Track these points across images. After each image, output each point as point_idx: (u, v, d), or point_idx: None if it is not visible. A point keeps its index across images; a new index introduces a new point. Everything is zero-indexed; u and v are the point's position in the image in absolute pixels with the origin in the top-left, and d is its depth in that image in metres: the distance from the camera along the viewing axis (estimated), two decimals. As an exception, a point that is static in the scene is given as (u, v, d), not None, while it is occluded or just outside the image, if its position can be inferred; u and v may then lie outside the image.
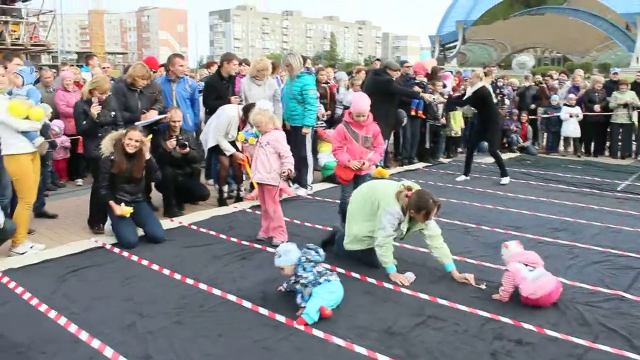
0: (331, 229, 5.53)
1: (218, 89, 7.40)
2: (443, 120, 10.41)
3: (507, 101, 11.98)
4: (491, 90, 8.86)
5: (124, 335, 3.57)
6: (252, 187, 7.03)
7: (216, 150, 7.00)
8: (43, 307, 3.96)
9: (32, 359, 3.29)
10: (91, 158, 5.82)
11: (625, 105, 11.09)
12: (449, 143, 11.16)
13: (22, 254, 5.08)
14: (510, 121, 12.07)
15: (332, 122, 9.06)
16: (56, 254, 5.11)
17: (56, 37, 38.70)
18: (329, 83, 9.39)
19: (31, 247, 5.20)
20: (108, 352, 3.34)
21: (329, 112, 9.12)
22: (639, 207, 7.08)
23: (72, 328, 3.64)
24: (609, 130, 11.70)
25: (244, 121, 6.69)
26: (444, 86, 10.40)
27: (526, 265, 4.08)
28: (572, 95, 11.65)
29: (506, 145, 12.04)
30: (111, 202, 5.44)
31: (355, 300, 4.10)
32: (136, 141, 5.44)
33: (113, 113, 5.90)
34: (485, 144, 9.75)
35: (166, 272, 4.69)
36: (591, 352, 3.41)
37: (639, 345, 3.47)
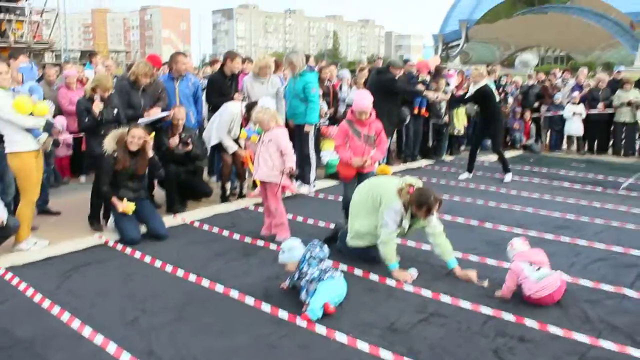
0: (334, 226, 5.53)
1: (221, 87, 7.41)
2: (446, 119, 10.40)
3: (510, 99, 11.96)
4: (494, 89, 8.84)
5: (127, 331, 3.58)
6: (254, 184, 7.04)
7: (219, 147, 7.01)
8: (46, 303, 3.98)
9: (37, 354, 3.31)
10: (94, 155, 5.83)
11: (629, 104, 11.05)
12: (451, 141, 11.14)
13: (26, 250, 5.10)
14: (514, 119, 12.04)
15: (335, 120, 9.06)
16: (59, 250, 5.12)
17: (59, 36, 38.71)
18: (332, 81, 9.38)
19: (35, 244, 5.22)
20: (111, 347, 3.35)
21: (331, 110, 9.12)
22: (642, 205, 7.06)
23: (76, 324, 3.66)
24: (612, 128, 11.67)
25: (246, 119, 6.70)
26: (447, 84, 10.39)
27: (531, 264, 4.07)
28: (575, 94, 11.63)
29: (509, 143, 12.02)
30: (114, 199, 5.46)
31: (358, 297, 4.11)
32: (139, 139, 5.46)
33: (115, 111, 5.92)
34: (488, 141, 9.73)
35: (169, 268, 4.70)
36: (594, 349, 3.40)
37: (641, 343, 3.47)
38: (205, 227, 5.96)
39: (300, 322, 3.70)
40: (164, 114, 6.49)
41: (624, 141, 11.51)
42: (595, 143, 11.91)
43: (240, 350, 3.36)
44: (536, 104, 12.24)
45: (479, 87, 8.46)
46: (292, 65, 7.38)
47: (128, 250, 5.18)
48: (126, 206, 5.42)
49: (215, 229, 5.85)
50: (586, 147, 11.92)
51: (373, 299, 4.13)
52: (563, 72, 13.57)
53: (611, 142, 11.89)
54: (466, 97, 8.98)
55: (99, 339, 3.45)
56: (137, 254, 5.05)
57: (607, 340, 3.48)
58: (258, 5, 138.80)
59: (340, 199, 6.19)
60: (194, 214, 6.40)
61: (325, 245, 4.19)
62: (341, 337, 3.50)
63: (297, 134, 7.40)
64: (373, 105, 5.70)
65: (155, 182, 6.66)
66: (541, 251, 4.26)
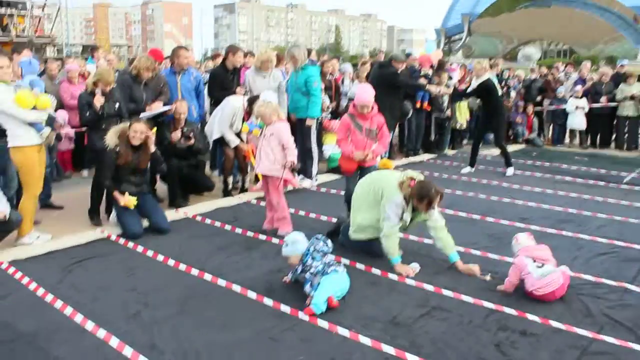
0: (336, 220, 5.54)
1: (223, 81, 7.40)
2: (448, 112, 10.38)
3: (512, 93, 11.93)
4: (496, 82, 8.82)
5: (129, 325, 3.59)
6: (257, 178, 7.04)
7: (221, 141, 7.01)
8: (49, 297, 3.99)
9: (39, 348, 3.32)
10: (95, 149, 5.84)
11: (632, 97, 11.01)
12: (454, 135, 11.12)
13: (28, 244, 5.11)
14: (516, 113, 12.01)
15: (337, 114, 9.05)
16: (62, 244, 5.14)
17: (61, 30, 38.72)
18: (334, 75, 9.37)
19: (37, 238, 5.23)
20: (114, 341, 3.36)
21: (334, 104, 9.10)
22: (645, 200, 7.05)
23: (78, 318, 3.67)
24: (615, 122, 11.63)
25: (248, 113, 6.69)
26: (450, 78, 10.36)
27: (534, 260, 4.05)
28: (578, 87, 11.59)
29: (512, 137, 12.00)
30: (115, 193, 5.47)
31: (360, 291, 4.11)
32: (141, 133, 5.46)
33: (117, 105, 5.92)
34: (491, 135, 9.72)
35: (171, 262, 4.71)
36: (595, 343, 3.40)
37: (644, 337, 3.47)
38: (208, 221, 5.96)
39: (303, 315, 3.71)
40: (166, 108, 6.49)
41: (626, 135, 11.49)
42: (598, 137, 11.88)
43: (242, 344, 3.37)
44: (539, 98, 12.21)
45: (481, 81, 8.44)
46: (294, 59, 7.36)
47: (130, 244, 5.19)
48: (128, 200, 5.42)
49: (218, 223, 5.86)
50: (589, 141, 11.89)
51: (375, 293, 4.13)
52: (566, 66, 13.51)
53: (614, 136, 11.85)
54: (469, 91, 8.97)
55: (101, 333, 3.46)
56: (140, 248, 5.06)
57: (609, 335, 3.48)
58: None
59: (342, 193, 6.19)
60: (196, 208, 6.40)
61: (329, 240, 4.20)
62: (343, 331, 3.51)
63: (299, 128, 7.39)
64: (375, 99, 5.69)
65: (158, 176, 6.67)
66: (546, 247, 4.23)
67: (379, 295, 4.10)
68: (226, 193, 7.03)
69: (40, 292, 4.08)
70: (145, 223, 5.59)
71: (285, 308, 3.83)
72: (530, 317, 3.72)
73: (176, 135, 6.42)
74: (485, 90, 8.47)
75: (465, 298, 4.02)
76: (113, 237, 5.38)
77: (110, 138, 5.46)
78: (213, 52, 30.79)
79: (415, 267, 4.51)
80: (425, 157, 10.16)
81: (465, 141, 11.58)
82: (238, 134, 6.91)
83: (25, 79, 6.19)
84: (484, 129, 9.15)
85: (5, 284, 4.24)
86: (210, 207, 6.47)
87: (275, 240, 5.27)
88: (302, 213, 6.21)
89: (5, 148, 4.98)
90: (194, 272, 4.50)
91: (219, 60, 8.80)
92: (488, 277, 4.35)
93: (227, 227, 5.74)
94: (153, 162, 5.74)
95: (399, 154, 10.13)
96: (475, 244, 5.20)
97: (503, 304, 3.91)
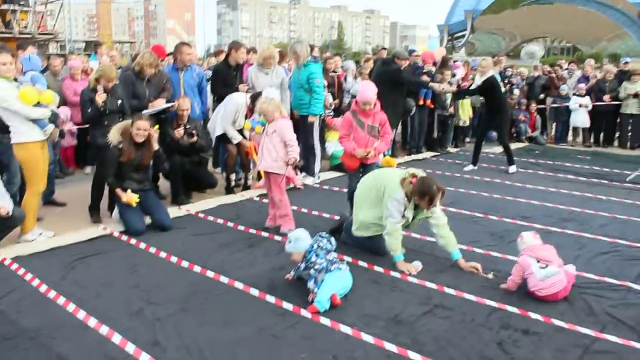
0: (339, 217, 5.53)
1: (226, 77, 7.40)
2: (451, 110, 10.36)
3: (515, 91, 11.90)
4: (499, 80, 8.80)
5: (132, 322, 3.60)
6: (259, 175, 7.04)
7: (223, 138, 7.01)
8: (52, 294, 3.99)
9: (43, 344, 3.32)
10: (96, 146, 5.84)
11: (636, 95, 10.98)
12: (457, 132, 11.11)
13: (31, 241, 5.12)
14: (519, 111, 11.99)
15: (339, 111, 9.04)
16: (65, 241, 5.15)
17: (64, 26, 38.69)
18: (336, 72, 9.36)
19: (40, 234, 5.24)
20: (116, 338, 3.36)
21: (336, 101, 9.09)
22: (648, 198, 7.04)
23: (81, 314, 3.68)
24: (618, 120, 11.60)
25: (251, 109, 6.69)
26: (453, 75, 10.34)
27: (538, 261, 4.02)
28: (581, 85, 11.57)
29: (515, 135, 11.97)
30: (118, 190, 5.47)
31: (362, 289, 4.11)
32: (144, 130, 5.46)
33: (120, 101, 5.91)
34: (494, 133, 9.69)
35: (174, 259, 4.71)
36: (598, 342, 3.40)
37: (646, 336, 3.46)
38: (210, 218, 5.97)
39: (305, 313, 3.71)
40: (169, 104, 6.49)
41: (630, 133, 11.45)
42: (601, 135, 11.86)
43: (244, 341, 3.37)
44: (542, 96, 12.19)
45: (485, 78, 8.43)
46: (296, 55, 7.36)
47: (133, 241, 5.20)
48: (130, 197, 5.42)
49: (220, 220, 5.86)
50: (592, 139, 11.87)
51: (377, 291, 4.13)
52: (569, 64, 13.48)
53: (617, 134, 11.83)
54: (473, 88, 8.95)
55: (104, 329, 3.46)
56: (142, 245, 5.07)
57: (612, 334, 3.48)
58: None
59: (345, 190, 6.19)
60: (198, 205, 6.41)
61: (332, 238, 4.20)
62: (345, 329, 3.51)
63: (301, 125, 7.39)
64: (378, 97, 5.68)
65: (160, 173, 6.67)
66: (551, 247, 4.19)
67: (381, 293, 4.10)
68: (229, 190, 7.03)
69: (43, 288, 4.09)
70: (147, 220, 5.60)
71: (287, 305, 3.83)
72: (533, 315, 3.72)
73: (179, 132, 6.41)
74: (489, 88, 8.46)
75: (467, 296, 4.01)
76: (116, 234, 5.39)
77: (113, 135, 5.45)
78: (216, 48, 30.78)
79: (417, 265, 4.51)
80: (427, 154, 10.15)
81: (468, 139, 11.57)
82: (240, 131, 6.91)
83: (26, 75, 6.19)
84: (487, 127, 9.14)
85: (8, 281, 4.25)
86: (212, 204, 6.48)
87: (277, 238, 5.27)
88: (304, 210, 6.21)
89: (8, 144, 4.98)
90: (197, 269, 4.50)
91: (222, 56, 8.80)
92: (490, 275, 4.35)
93: (230, 224, 5.74)
94: (155, 161, 5.74)
95: (402, 152, 10.12)
96: (478, 242, 5.20)
97: (505, 302, 3.91)
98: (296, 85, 7.47)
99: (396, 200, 4.50)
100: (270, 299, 3.94)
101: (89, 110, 5.79)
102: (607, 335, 3.47)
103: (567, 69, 12.92)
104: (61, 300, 3.89)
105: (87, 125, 6.33)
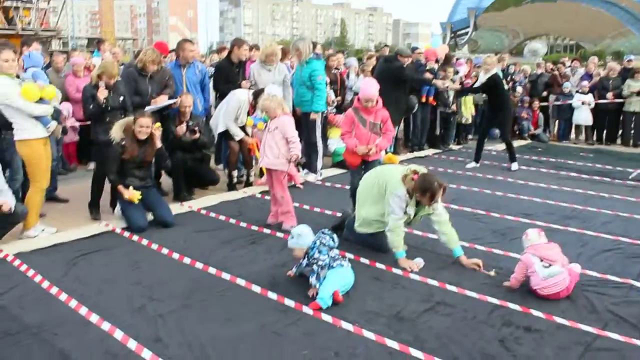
0: (341, 214, 5.53)
1: (228, 74, 7.40)
2: (454, 107, 10.34)
3: (518, 88, 11.88)
4: (501, 77, 8.78)
5: (134, 318, 3.60)
6: (261, 172, 7.04)
7: (226, 135, 7.01)
8: (54, 290, 4.00)
9: (45, 340, 3.33)
10: (97, 142, 5.84)
11: (639, 93, 10.95)
12: (459, 130, 11.09)
13: (34, 237, 5.13)
14: (522, 108, 11.96)
15: (342, 108, 9.02)
16: (67, 237, 5.15)
17: (66, 23, 38.77)
18: (339, 69, 9.34)
19: (43, 231, 5.25)
20: (118, 334, 3.37)
21: (339, 98, 9.08)
22: (651, 196, 7.02)
23: (83, 310, 3.68)
24: (621, 118, 11.57)
25: (253, 106, 6.69)
26: (456, 73, 10.32)
27: (542, 260, 4.00)
28: (584, 83, 11.54)
29: (517, 132, 11.95)
30: (120, 187, 5.48)
31: (364, 286, 4.11)
32: (147, 127, 5.46)
33: (121, 98, 5.91)
34: (496, 130, 9.66)
35: (176, 256, 4.72)
36: (600, 339, 3.40)
37: (648, 333, 3.46)
38: (212, 214, 5.97)
39: (307, 310, 3.71)
40: (171, 101, 6.49)
41: (633, 131, 11.42)
42: (604, 133, 11.83)
43: (246, 338, 3.38)
44: (545, 93, 12.16)
45: (489, 76, 8.41)
46: (298, 52, 7.35)
47: (135, 237, 5.20)
48: (132, 194, 5.43)
49: (222, 217, 5.86)
50: (595, 137, 11.85)
51: (379, 288, 4.13)
52: (572, 61, 13.44)
53: (620, 132, 11.80)
54: (477, 85, 8.93)
55: (106, 326, 3.47)
56: (144, 242, 5.07)
57: (614, 331, 3.47)
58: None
59: (347, 187, 6.19)
60: (200, 202, 6.41)
61: (335, 235, 4.20)
62: (347, 326, 3.51)
63: (304, 122, 7.39)
64: (381, 94, 5.67)
65: (162, 170, 6.67)
66: (556, 246, 4.16)
67: (383, 289, 4.10)
68: (231, 187, 7.04)
69: (45, 284, 4.10)
70: (149, 216, 5.61)
71: (289, 302, 3.83)
72: (535, 313, 3.72)
73: (181, 128, 6.42)
74: (492, 85, 8.44)
75: (469, 293, 4.01)
76: (118, 231, 5.39)
77: (116, 132, 5.46)
78: (218, 45, 30.80)
79: (419, 262, 4.51)
80: (430, 151, 10.14)
81: (470, 136, 11.55)
82: (243, 128, 6.91)
83: (27, 71, 6.20)
84: (490, 124, 9.13)
85: (11, 277, 4.26)
86: (214, 200, 6.48)
87: (279, 235, 5.27)
88: (306, 207, 6.21)
89: (11, 141, 4.99)
90: (199, 265, 4.51)
91: (225, 53, 8.78)
92: (492, 273, 4.34)
93: (232, 220, 5.75)
94: (158, 158, 5.74)
95: (404, 149, 10.11)
96: (480, 239, 5.19)
97: (507, 299, 3.91)
98: (298, 82, 7.46)
99: (398, 196, 4.50)
100: (272, 295, 3.94)
101: (91, 106, 5.79)
102: (609, 332, 3.46)
103: (570, 66, 12.88)
104: (63, 296, 3.90)
105: (89, 122, 6.33)
